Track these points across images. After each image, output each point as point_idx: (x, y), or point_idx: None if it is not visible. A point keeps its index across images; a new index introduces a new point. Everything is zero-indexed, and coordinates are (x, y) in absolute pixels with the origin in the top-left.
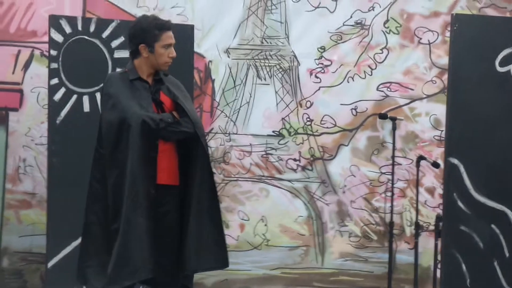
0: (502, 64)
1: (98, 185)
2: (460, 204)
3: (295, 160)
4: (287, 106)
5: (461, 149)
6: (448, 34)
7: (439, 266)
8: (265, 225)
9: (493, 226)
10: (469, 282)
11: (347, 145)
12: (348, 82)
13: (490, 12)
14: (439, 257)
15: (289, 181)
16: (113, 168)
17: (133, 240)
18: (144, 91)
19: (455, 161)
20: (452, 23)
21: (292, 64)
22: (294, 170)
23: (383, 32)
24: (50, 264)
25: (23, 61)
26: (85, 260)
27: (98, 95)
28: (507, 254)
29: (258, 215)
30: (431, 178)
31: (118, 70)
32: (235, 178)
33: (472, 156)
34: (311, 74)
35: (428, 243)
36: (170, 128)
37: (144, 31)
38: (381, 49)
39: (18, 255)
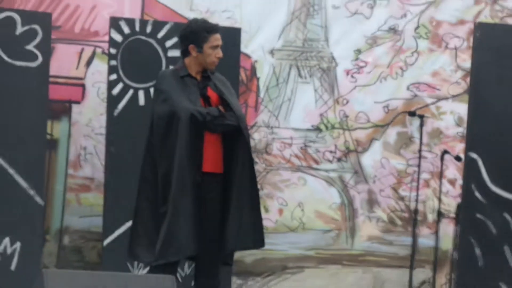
0: None
1: (149, 172)
2: (477, 194)
3: (331, 152)
4: (325, 103)
5: (480, 145)
6: (472, 40)
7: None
8: (302, 210)
9: (505, 214)
10: (482, 264)
11: (378, 140)
12: (381, 82)
13: (511, 21)
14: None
15: (325, 171)
16: (163, 157)
17: (179, 222)
18: (193, 87)
19: (474, 155)
20: (475, 31)
21: (330, 64)
22: (330, 161)
23: (414, 37)
24: (106, 242)
25: (86, 58)
26: (135, 239)
27: (152, 90)
28: None
29: (296, 201)
30: (453, 171)
31: (170, 67)
32: (276, 168)
33: (490, 151)
34: (347, 74)
35: (447, 229)
36: (216, 121)
37: (194, 33)
38: (412, 53)
39: (78, 234)
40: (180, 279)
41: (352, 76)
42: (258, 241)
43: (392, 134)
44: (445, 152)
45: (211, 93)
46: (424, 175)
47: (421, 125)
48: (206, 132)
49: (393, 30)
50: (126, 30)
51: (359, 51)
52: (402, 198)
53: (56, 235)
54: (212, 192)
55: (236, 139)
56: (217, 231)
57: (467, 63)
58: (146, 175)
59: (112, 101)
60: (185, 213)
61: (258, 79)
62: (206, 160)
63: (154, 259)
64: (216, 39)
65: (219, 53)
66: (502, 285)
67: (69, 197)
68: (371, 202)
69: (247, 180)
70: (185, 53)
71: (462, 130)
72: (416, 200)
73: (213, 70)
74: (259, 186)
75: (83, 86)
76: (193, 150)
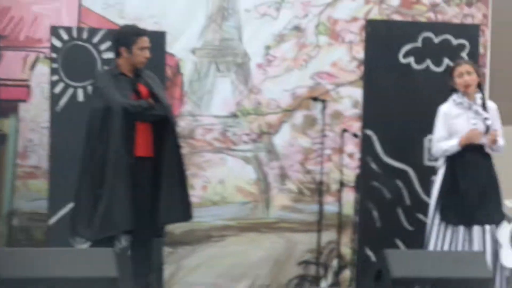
0: (404, 56)
1: (88, 159)
2: (372, 165)
3: (247, 135)
4: (241, 93)
5: (374, 123)
6: (364, 34)
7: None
8: (223, 186)
9: (397, 181)
10: (379, 225)
11: (287, 122)
12: (288, 73)
13: (396, 17)
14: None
15: (242, 151)
16: (100, 145)
17: (115, 200)
18: (125, 84)
19: (369, 132)
20: (366, 26)
21: (244, 60)
22: (246, 143)
23: (315, 34)
24: (51, 222)
25: (30, 63)
26: (77, 218)
27: (89, 88)
28: (408, 202)
29: (217, 178)
30: (351, 146)
31: (105, 68)
32: (200, 150)
33: (382, 128)
34: (259, 67)
35: (348, 197)
36: (146, 112)
37: (124, 37)
38: (313, 47)
39: (26, 216)
40: (117, 251)
41: (263, 69)
42: (186, 214)
43: (298, 117)
44: (344, 130)
45: (141, 88)
46: (327, 151)
47: (323, 108)
48: (137, 122)
49: (297, 28)
50: (65, 36)
51: (268, 48)
52: (309, 172)
53: (6, 218)
54: (144, 173)
55: (164, 127)
56: (150, 207)
57: (360, 54)
58: (85, 161)
59: (54, 99)
60: (120, 193)
61: (182, 74)
62: (138, 146)
63: (94, 234)
64: (144, 41)
65: (147, 53)
66: (397, 242)
67: (18, 183)
68: (283, 176)
69: (175, 162)
70: (118, 54)
71: (358, 111)
72: (321, 173)
73: (142, 69)
74: (185, 167)
75: (28, 87)
76: (126, 137)
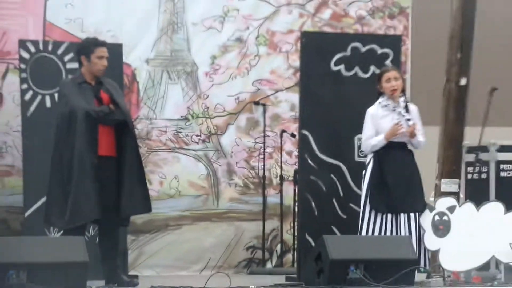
0: (335, 64)
1: (57, 159)
2: (309, 161)
3: (197, 135)
4: (190, 98)
5: (310, 124)
6: (299, 45)
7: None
8: (177, 181)
9: (331, 175)
10: (317, 213)
11: (232, 124)
12: (232, 80)
13: (327, 29)
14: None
15: (194, 150)
16: (67, 147)
17: (82, 194)
18: (88, 91)
19: (306, 132)
20: (301, 37)
21: (193, 68)
22: (197, 143)
23: (255, 44)
24: (26, 214)
25: (1, 73)
26: (49, 210)
27: (56, 95)
28: (341, 194)
29: (172, 174)
30: (289, 145)
31: (69, 76)
32: (155, 150)
33: (317, 128)
34: (206, 75)
35: (288, 189)
36: (107, 117)
37: (84, 47)
38: (254, 56)
39: (4, 209)
40: (87, 239)
41: (210, 77)
42: (146, 207)
43: (242, 119)
44: (283, 131)
45: (103, 94)
46: (268, 149)
47: (264, 111)
48: (99, 125)
49: (239, 40)
50: (32, 49)
51: (214, 57)
52: (253, 168)
53: None
54: (108, 170)
55: (124, 129)
56: (114, 201)
57: (296, 62)
58: (55, 161)
59: (24, 105)
60: (86, 187)
61: (138, 82)
62: (101, 147)
63: (66, 224)
64: (101, 51)
65: (104, 62)
66: (333, 228)
67: None
68: (230, 172)
69: (134, 161)
70: (80, 64)
71: (294, 113)
72: (264, 169)
73: (101, 77)
74: (143, 165)
75: (0, 95)
76: (89, 139)
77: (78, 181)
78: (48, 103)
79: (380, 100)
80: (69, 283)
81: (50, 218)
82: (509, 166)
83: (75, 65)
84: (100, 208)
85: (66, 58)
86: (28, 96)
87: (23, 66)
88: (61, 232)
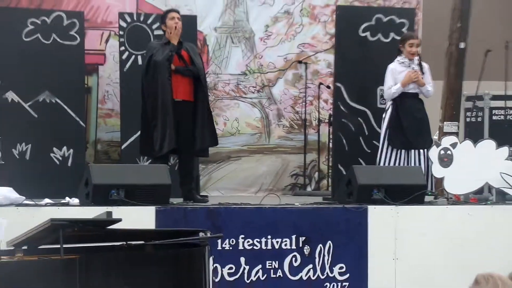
0: (362, 31)
1: (144, 101)
2: (341, 107)
3: (253, 87)
4: (248, 58)
5: (342, 78)
6: (334, 16)
7: (331, 141)
8: (238, 122)
9: (359, 118)
10: (347, 149)
11: (281, 78)
12: (281, 44)
13: (356, 3)
14: None
15: (250, 98)
16: (152, 93)
17: (165, 131)
18: (172, 49)
19: (339, 84)
20: (336, 10)
21: (250, 35)
22: (253, 92)
23: (300, 16)
24: (123, 146)
25: (105, 38)
26: (142, 143)
27: (145, 54)
28: (366, 133)
29: (234, 117)
30: (326, 95)
31: (155, 40)
32: (221, 98)
33: (348, 82)
34: (261, 40)
35: (324, 129)
36: (184, 71)
37: (163, 16)
38: (299, 25)
39: (106, 143)
40: (169, 166)
41: (263, 41)
42: (214, 141)
43: (289, 74)
44: (321, 83)
45: (183, 52)
46: (309, 98)
47: (306, 68)
48: (179, 76)
49: (287, 12)
50: (128, 19)
51: (267, 26)
52: (297, 112)
53: (93, 144)
54: (185, 111)
55: (197, 81)
56: (190, 136)
57: (332, 30)
58: (143, 103)
59: (122, 62)
60: (168, 125)
61: (208, 45)
62: (180, 93)
63: (156, 153)
64: (172, 14)
65: (175, 21)
66: (360, 159)
67: (99, 121)
68: (279, 115)
69: (205, 105)
70: (163, 30)
71: (330, 70)
72: (305, 113)
73: (177, 37)
74: (212, 109)
75: (104, 54)
76: (169, 87)
77: (162, 120)
78: (139, 61)
79: (398, 58)
80: (156, 200)
81: (143, 149)
82: (500, 112)
83: (160, 32)
84: (179, 141)
85: (154, 26)
86: (124, 55)
87: (121, 32)
88: (149, 161)
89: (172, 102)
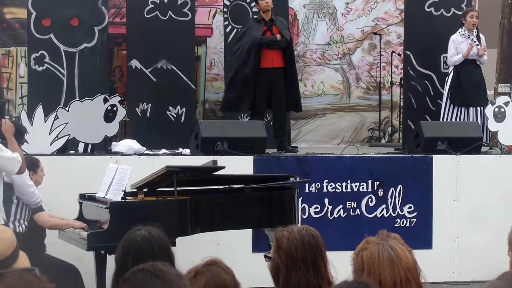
0: (427, 7)
1: (240, 70)
2: (411, 72)
3: (336, 55)
4: (332, 30)
5: (411, 46)
6: None
7: (401, 100)
8: (323, 85)
9: (425, 81)
10: (416, 106)
11: (359, 47)
12: (359, 18)
13: None
14: None
15: (334, 64)
16: (246, 63)
17: (259, 93)
18: (265, 24)
19: (408, 52)
20: None
21: (334, 10)
22: (336, 60)
23: None
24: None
25: (212, 14)
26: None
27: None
28: (432, 93)
29: (319, 80)
30: (397, 61)
31: (252, 16)
32: (309, 64)
33: (417, 50)
34: (342, 15)
35: (396, 90)
36: (275, 42)
37: None
38: (374, 2)
39: (212, 102)
40: (265, 122)
41: (344, 16)
42: (299, 106)
43: (366, 44)
44: (393, 52)
45: (274, 28)
46: (383, 64)
47: (380, 38)
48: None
49: None
50: None
51: (347, 3)
52: (372, 76)
53: (202, 103)
54: (279, 76)
55: (287, 51)
56: (284, 93)
57: (401, 6)
58: (234, 60)
59: (226, 35)
60: (261, 89)
61: (298, 20)
62: (274, 61)
63: (233, 111)
64: None
65: (267, 3)
66: (426, 116)
67: (207, 84)
68: (357, 79)
69: (294, 71)
70: (257, 8)
71: (400, 40)
72: (380, 76)
73: (268, 13)
74: (301, 74)
75: (211, 28)
76: (257, 59)
77: (255, 84)
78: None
79: (460, 30)
80: (254, 150)
81: (226, 104)
82: None
83: (256, 9)
84: (273, 101)
85: (252, 4)
86: (228, 29)
87: (225, 9)
88: (248, 117)
89: (260, 71)
